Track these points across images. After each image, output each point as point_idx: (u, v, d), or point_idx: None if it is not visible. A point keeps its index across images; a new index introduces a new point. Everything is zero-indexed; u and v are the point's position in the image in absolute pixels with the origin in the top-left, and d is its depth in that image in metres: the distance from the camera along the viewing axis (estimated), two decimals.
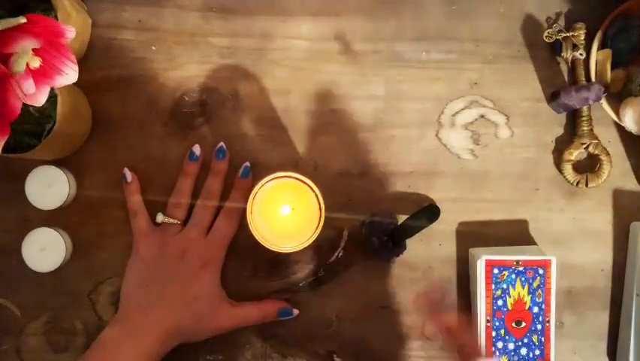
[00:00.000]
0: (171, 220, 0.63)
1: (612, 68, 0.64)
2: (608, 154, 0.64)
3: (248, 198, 0.63)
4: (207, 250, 0.62)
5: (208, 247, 0.62)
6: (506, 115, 0.66)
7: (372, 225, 0.63)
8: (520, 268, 0.61)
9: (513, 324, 0.61)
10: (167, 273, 0.61)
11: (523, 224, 0.66)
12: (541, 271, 0.61)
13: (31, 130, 0.57)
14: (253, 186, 0.63)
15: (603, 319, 0.66)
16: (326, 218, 0.57)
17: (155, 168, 0.65)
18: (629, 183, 0.66)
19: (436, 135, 0.66)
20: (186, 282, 0.61)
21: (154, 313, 0.59)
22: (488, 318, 0.61)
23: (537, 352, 0.61)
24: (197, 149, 0.64)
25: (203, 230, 0.63)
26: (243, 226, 0.58)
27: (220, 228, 0.63)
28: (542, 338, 0.61)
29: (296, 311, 0.64)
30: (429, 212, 0.61)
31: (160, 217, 0.63)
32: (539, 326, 0.61)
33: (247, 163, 0.64)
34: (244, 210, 0.63)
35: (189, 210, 0.64)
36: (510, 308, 0.61)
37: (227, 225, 0.63)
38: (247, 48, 0.65)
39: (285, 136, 0.65)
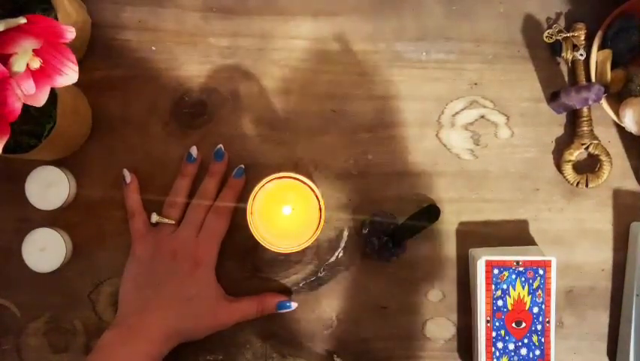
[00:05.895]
0: (165, 220, 0.63)
1: (612, 68, 0.64)
2: (608, 154, 0.64)
3: (238, 197, 0.63)
4: (199, 250, 0.62)
5: (199, 246, 0.62)
6: (506, 115, 0.66)
7: (372, 225, 0.63)
8: (520, 269, 0.61)
9: (513, 324, 0.61)
10: (161, 274, 0.61)
11: (523, 224, 0.66)
12: (541, 272, 0.61)
13: (31, 130, 0.57)
14: (246, 186, 0.64)
15: (603, 319, 0.66)
16: (326, 218, 0.57)
17: (155, 168, 0.65)
18: (629, 183, 0.66)
19: (436, 135, 0.66)
20: (180, 283, 0.61)
21: (150, 317, 0.59)
22: (488, 318, 0.61)
23: (537, 352, 0.61)
24: (194, 150, 0.64)
25: (196, 230, 0.62)
26: (243, 226, 0.58)
27: (210, 226, 0.63)
28: (542, 339, 0.61)
29: (295, 304, 0.64)
30: (429, 212, 0.61)
31: (155, 217, 0.63)
32: (539, 327, 0.61)
33: (242, 165, 0.64)
34: (234, 208, 0.63)
35: (185, 210, 0.64)
36: (510, 309, 0.61)
37: (217, 223, 0.63)
38: (247, 48, 0.65)
39: (285, 136, 0.65)
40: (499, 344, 0.61)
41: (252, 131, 0.65)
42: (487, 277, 0.61)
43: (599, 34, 0.64)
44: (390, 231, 0.62)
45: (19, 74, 0.48)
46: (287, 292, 0.65)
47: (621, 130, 0.65)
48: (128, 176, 0.64)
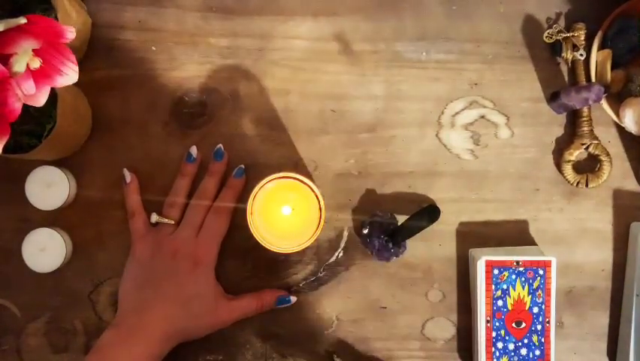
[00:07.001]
0: (165, 220, 0.63)
1: (612, 68, 0.64)
2: (608, 154, 0.64)
3: (238, 197, 0.63)
4: (199, 249, 0.62)
5: (199, 245, 0.62)
6: (506, 115, 0.66)
7: (372, 225, 0.63)
8: (520, 269, 0.61)
9: (513, 324, 0.61)
10: (161, 274, 0.61)
11: (523, 224, 0.66)
12: (541, 272, 0.61)
13: (31, 130, 0.57)
14: (246, 186, 0.64)
15: (603, 319, 0.66)
16: (326, 218, 0.57)
17: (155, 168, 0.65)
18: (629, 183, 0.66)
19: (436, 135, 0.66)
20: (180, 282, 0.61)
21: (149, 316, 0.59)
22: (488, 318, 0.61)
23: (537, 352, 0.61)
24: (194, 150, 0.64)
25: (195, 229, 0.62)
26: (243, 226, 0.58)
27: (210, 226, 0.63)
28: (542, 339, 0.61)
29: (294, 298, 0.64)
30: (429, 212, 0.61)
31: (154, 217, 0.63)
32: (539, 327, 0.61)
33: (242, 165, 0.64)
34: (234, 208, 0.63)
35: (185, 210, 0.64)
36: (510, 309, 0.61)
37: (217, 223, 0.63)
38: (247, 48, 0.65)
39: (285, 136, 0.65)
40: (499, 344, 0.61)
41: (251, 131, 0.65)
42: (487, 277, 0.61)
43: (599, 34, 0.64)
44: (390, 231, 0.62)
45: (19, 74, 0.48)
46: (286, 290, 0.65)
47: (621, 130, 0.65)
48: (128, 176, 0.64)
